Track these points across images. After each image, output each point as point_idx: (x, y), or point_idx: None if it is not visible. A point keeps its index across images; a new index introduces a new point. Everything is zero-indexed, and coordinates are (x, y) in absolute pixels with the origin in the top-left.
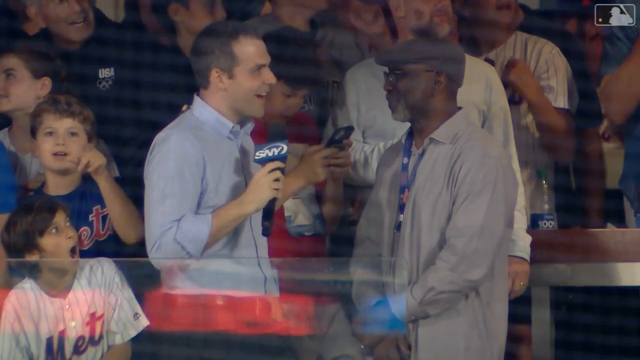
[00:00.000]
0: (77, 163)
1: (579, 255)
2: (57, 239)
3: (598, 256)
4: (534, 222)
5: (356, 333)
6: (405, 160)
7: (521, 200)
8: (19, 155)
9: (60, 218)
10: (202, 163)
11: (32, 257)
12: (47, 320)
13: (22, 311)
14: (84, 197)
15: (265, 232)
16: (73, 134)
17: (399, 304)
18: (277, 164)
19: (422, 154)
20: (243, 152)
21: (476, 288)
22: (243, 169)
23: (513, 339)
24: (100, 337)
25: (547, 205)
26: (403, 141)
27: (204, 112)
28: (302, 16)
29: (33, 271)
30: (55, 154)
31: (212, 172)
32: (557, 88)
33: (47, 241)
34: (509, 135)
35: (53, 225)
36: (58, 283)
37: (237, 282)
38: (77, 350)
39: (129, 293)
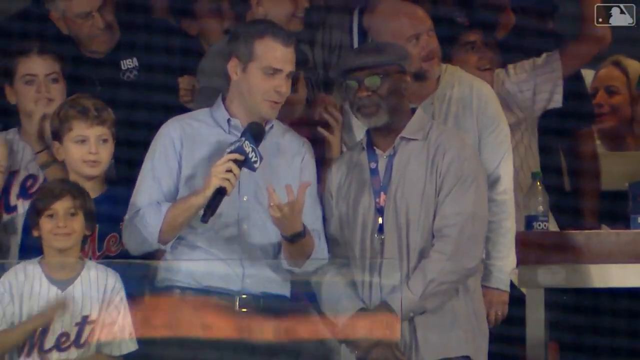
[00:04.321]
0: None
1: (573, 257)
2: (50, 225)
3: (592, 258)
4: (528, 223)
5: (348, 341)
6: (373, 165)
7: (512, 227)
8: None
9: (61, 206)
10: (179, 146)
11: (36, 233)
12: (38, 302)
13: (14, 290)
14: (114, 203)
15: (203, 219)
16: (104, 140)
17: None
18: (234, 155)
19: (392, 155)
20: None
21: (471, 276)
22: None
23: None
24: (87, 341)
25: (541, 206)
26: (364, 145)
27: (218, 101)
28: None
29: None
30: (86, 161)
31: (188, 157)
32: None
33: (43, 223)
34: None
35: (50, 211)
36: (59, 271)
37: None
38: (59, 346)
39: (127, 312)
